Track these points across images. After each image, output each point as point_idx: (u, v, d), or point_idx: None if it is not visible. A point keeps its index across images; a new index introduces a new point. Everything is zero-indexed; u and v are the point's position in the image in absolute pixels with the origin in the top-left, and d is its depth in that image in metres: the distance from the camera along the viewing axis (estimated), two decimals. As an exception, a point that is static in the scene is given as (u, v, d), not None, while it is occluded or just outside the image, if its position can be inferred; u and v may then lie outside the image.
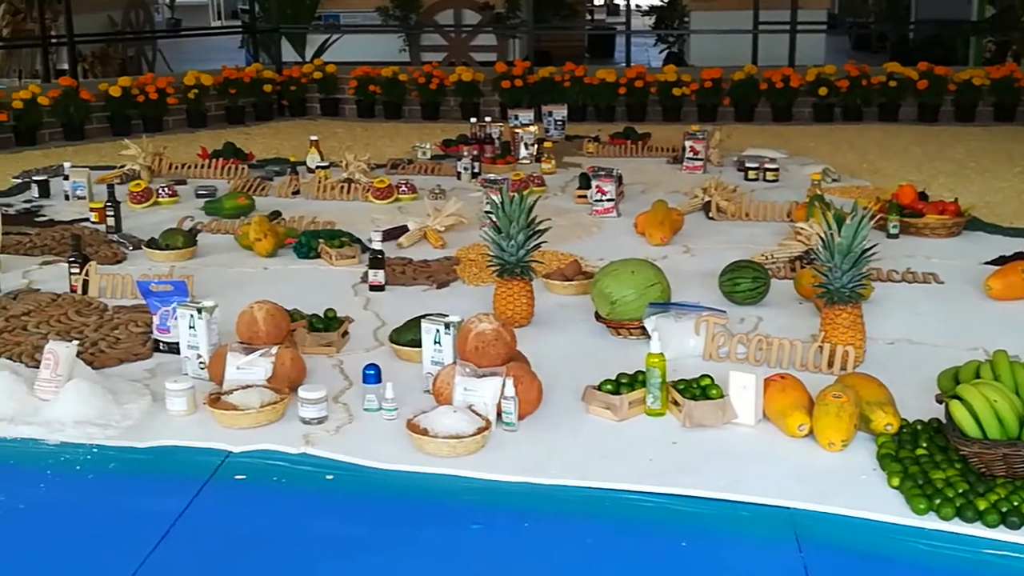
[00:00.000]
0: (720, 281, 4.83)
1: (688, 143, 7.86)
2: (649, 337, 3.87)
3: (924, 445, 3.30)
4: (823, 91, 10.22)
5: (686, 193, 6.89)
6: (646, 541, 2.92)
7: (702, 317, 4.15)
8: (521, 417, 3.54)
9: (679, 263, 5.39)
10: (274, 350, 3.80)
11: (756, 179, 7.46)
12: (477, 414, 3.46)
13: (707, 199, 6.53)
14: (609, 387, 3.66)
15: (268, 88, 10.86)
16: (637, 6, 17.70)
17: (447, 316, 3.83)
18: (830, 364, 3.97)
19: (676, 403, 3.61)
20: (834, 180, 7.37)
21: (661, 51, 16.47)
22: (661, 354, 3.61)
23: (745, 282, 4.74)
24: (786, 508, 3.06)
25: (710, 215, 6.42)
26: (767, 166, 7.51)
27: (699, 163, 7.81)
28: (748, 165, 7.57)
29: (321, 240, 5.62)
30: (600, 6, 24.69)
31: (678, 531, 2.96)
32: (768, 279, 4.81)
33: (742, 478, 3.20)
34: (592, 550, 2.88)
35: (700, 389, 3.62)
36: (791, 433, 3.44)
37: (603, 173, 6.59)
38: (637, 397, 3.63)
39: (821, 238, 4.16)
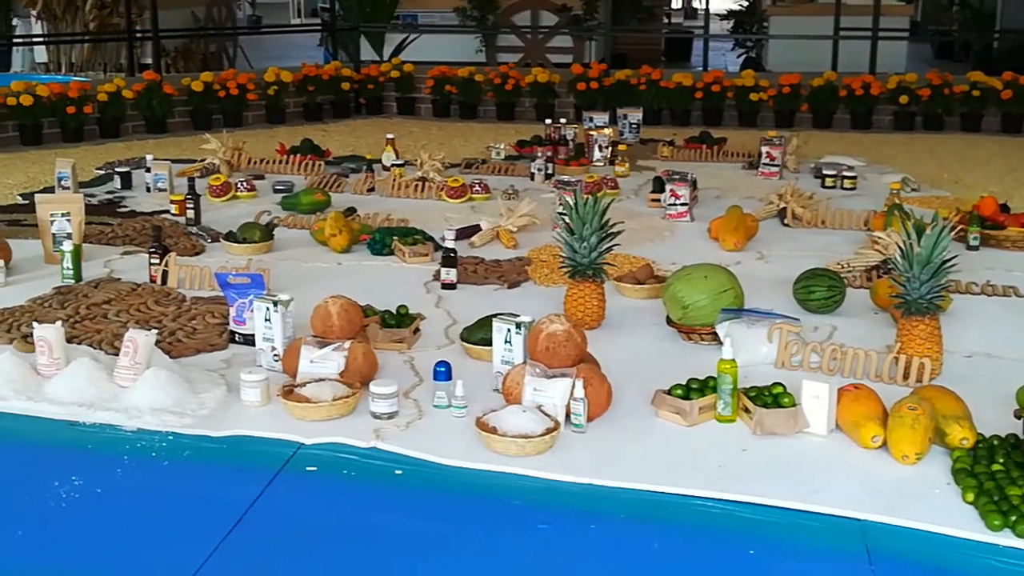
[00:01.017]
0: (794, 289, 4.78)
1: (765, 148, 7.78)
2: (720, 343, 3.85)
3: (1001, 461, 3.24)
4: (904, 99, 10.05)
5: (761, 199, 6.83)
6: (713, 548, 2.91)
7: (775, 324, 4.12)
8: (590, 419, 3.54)
9: (753, 269, 5.35)
10: (347, 345, 3.84)
11: (833, 186, 7.36)
12: (546, 414, 3.47)
13: (783, 206, 6.46)
14: (679, 392, 3.64)
15: (346, 86, 10.97)
16: (715, 10, 17.55)
17: (518, 316, 3.84)
18: (905, 376, 3.91)
19: (747, 410, 3.58)
20: (913, 190, 7.25)
21: (739, 55, 16.32)
22: (733, 360, 3.59)
23: (820, 290, 4.68)
24: (857, 520, 3.02)
25: (785, 222, 6.35)
26: (845, 174, 7.41)
27: (775, 169, 7.73)
28: (825, 172, 7.48)
29: (395, 237, 5.67)
30: (677, 9, 24.54)
31: (746, 539, 2.94)
32: (844, 288, 4.75)
33: (813, 488, 3.16)
34: (659, 555, 2.87)
35: (772, 397, 3.58)
36: (864, 444, 3.39)
37: (677, 177, 6.55)
38: (707, 403, 3.61)
39: (900, 248, 4.09)
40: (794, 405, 3.54)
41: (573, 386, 3.52)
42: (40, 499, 3.11)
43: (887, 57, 11.58)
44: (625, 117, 9.28)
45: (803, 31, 12.33)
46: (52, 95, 9.27)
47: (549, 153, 7.85)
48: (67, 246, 5.15)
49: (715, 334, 4.19)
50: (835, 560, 2.86)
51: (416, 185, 7.18)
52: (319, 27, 13.75)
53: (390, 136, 7.97)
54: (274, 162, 7.94)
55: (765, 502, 3.10)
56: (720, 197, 7.04)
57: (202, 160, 7.93)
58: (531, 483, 3.24)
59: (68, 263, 5.10)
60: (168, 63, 13.79)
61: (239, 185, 7.06)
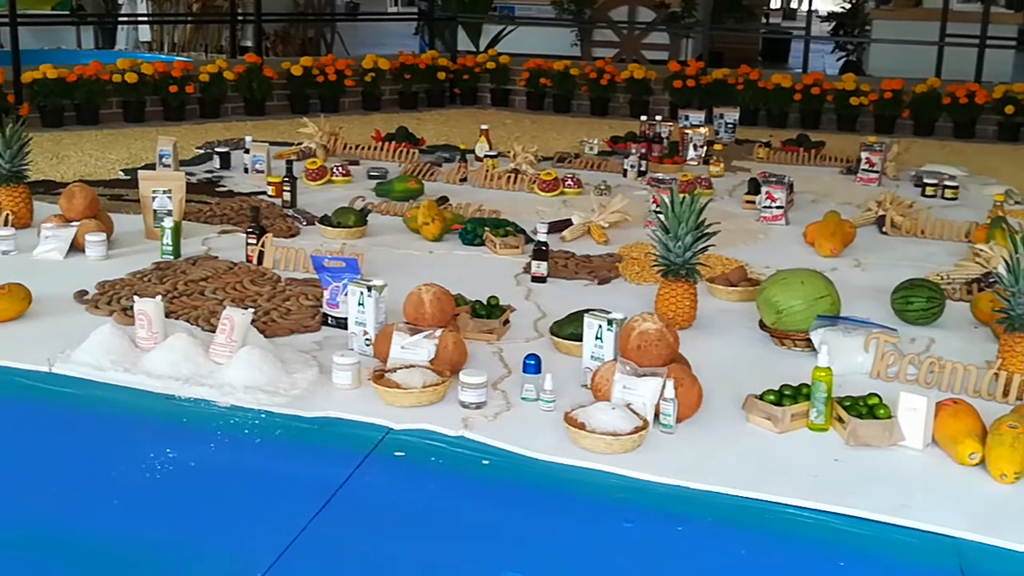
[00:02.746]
0: (892, 298, 4.68)
1: (864, 154, 7.64)
2: (814, 350, 3.78)
3: (1105, 486, 3.14)
4: (1010, 109, 9.79)
5: (859, 205, 6.71)
6: (802, 557, 2.86)
7: (872, 334, 4.03)
8: (679, 420, 3.51)
9: (849, 277, 5.25)
10: (438, 333, 3.86)
11: (934, 196, 7.21)
12: (635, 413, 3.44)
13: (881, 213, 6.34)
14: (771, 397, 3.59)
15: (442, 75, 11.03)
16: (816, 11, 17.27)
17: (610, 312, 3.82)
18: (1006, 393, 3.81)
19: (840, 420, 3.52)
20: (1017, 203, 7.05)
21: (839, 59, 16.05)
22: (828, 368, 3.53)
23: (919, 301, 4.58)
24: (951, 538, 2.95)
25: (883, 230, 6.22)
26: (946, 183, 7.25)
27: (875, 175, 7.58)
28: (926, 181, 7.32)
29: (487, 228, 5.68)
30: (776, 10, 24.21)
31: (836, 550, 2.88)
32: (943, 299, 4.64)
33: (907, 502, 3.09)
34: (745, 561, 2.84)
35: (867, 407, 3.51)
36: (961, 460, 3.31)
37: (774, 179, 6.46)
38: (800, 410, 3.55)
39: (1005, 261, 3.99)
40: (890, 417, 3.46)
41: (663, 386, 3.49)
42: (136, 470, 3.18)
43: (994, 65, 11.29)
44: (721, 116, 9.19)
45: (907, 36, 12.08)
46: (156, 74, 9.48)
47: (643, 150, 7.80)
48: (167, 223, 5.26)
49: (809, 341, 4.13)
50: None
51: (508, 177, 7.19)
52: (416, 16, 13.83)
53: (484, 127, 7.98)
54: (369, 148, 8.01)
55: (857, 514, 3.04)
56: (816, 202, 6.93)
57: (299, 144, 8.05)
58: (618, 481, 3.22)
59: (168, 239, 5.21)
60: (268, 46, 13.99)
61: (334, 170, 7.14)
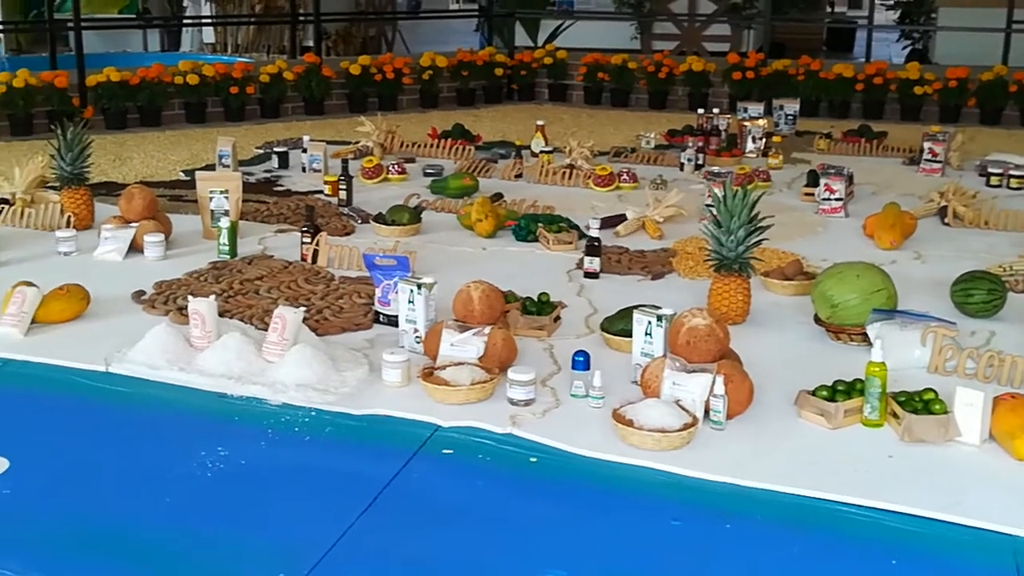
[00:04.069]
0: (952, 291, 4.59)
1: (927, 144, 7.50)
2: (871, 344, 3.72)
3: None
4: (1080, 96, 9.55)
5: (921, 197, 6.59)
6: (854, 555, 2.81)
7: (930, 327, 3.96)
8: (730, 416, 3.47)
9: (908, 269, 5.16)
10: (487, 330, 3.86)
11: (999, 185, 7.06)
12: (684, 409, 3.41)
13: (943, 204, 6.21)
14: (824, 393, 3.54)
15: (499, 72, 11.04)
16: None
17: (660, 308, 3.79)
18: (1069, 387, 3.72)
19: (895, 415, 3.45)
20: (1086, 191, 6.88)
21: (904, 47, 15.78)
22: (883, 363, 3.46)
23: (980, 294, 4.48)
24: (1009, 536, 2.88)
25: (945, 221, 6.11)
26: (1012, 172, 7.09)
27: (937, 166, 7.44)
28: (991, 170, 7.17)
29: (540, 224, 5.67)
30: (841, -2, 23.86)
31: (889, 548, 2.83)
32: (1005, 292, 4.53)
33: (962, 499, 3.03)
34: (797, 559, 2.79)
35: (922, 403, 3.45)
36: (1018, 456, 3.23)
37: (833, 171, 6.37)
38: (853, 406, 3.50)
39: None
40: (946, 412, 3.39)
41: (713, 382, 3.45)
42: (187, 467, 3.22)
43: (1063, 51, 11.01)
44: (781, 108, 9.09)
45: (974, 23, 11.82)
46: (217, 75, 9.61)
47: (700, 143, 7.74)
48: (224, 223, 5.32)
49: (865, 335, 4.06)
50: (982, 574, 2.73)
51: (564, 172, 7.17)
52: (476, 12, 13.86)
53: (540, 123, 7.97)
54: (425, 146, 8.04)
55: (911, 511, 2.98)
56: (877, 193, 6.82)
57: (356, 142, 8.10)
58: (666, 478, 3.19)
59: (224, 239, 5.27)
60: (328, 46, 14.12)
61: (391, 168, 7.18)
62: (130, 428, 3.53)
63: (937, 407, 3.41)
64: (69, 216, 5.72)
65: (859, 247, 5.57)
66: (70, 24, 9.84)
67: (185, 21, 15.81)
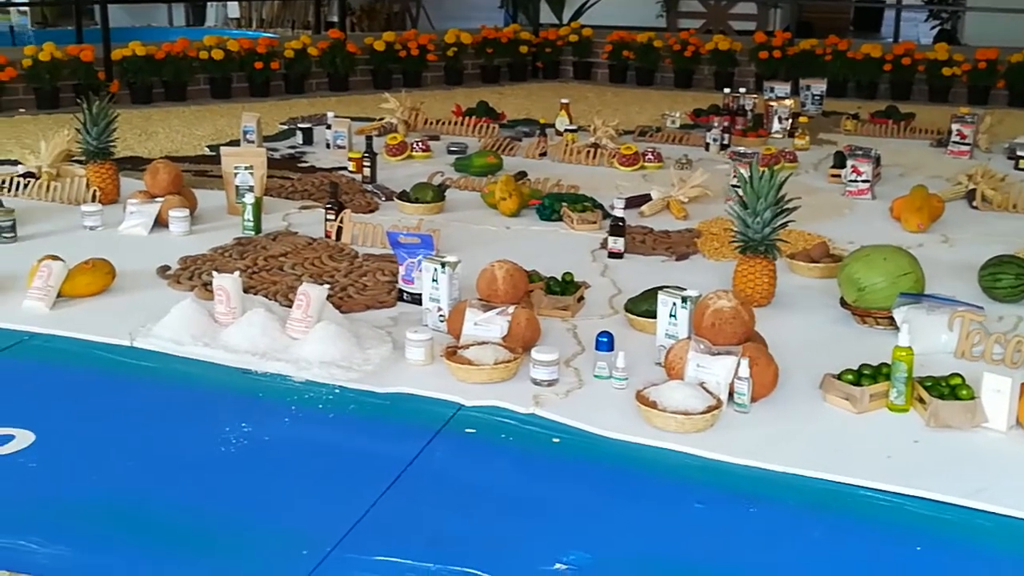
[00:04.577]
0: (980, 275, 4.55)
1: (955, 126, 7.43)
2: (897, 328, 3.69)
3: None
4: (1112, 78, 9.43)
5: (949, 179, 6.53)
6: (878, 541, 2.80)
7: (957, 312, 3.92)
8: (754, 399, 3.45)
9: (936, 253, 5.11)
10: (511, 309, 3.85)
11: (1028, 168, 6.98)
12: (708, 392, 3.40)
13: (971, 187, 6.15)
14: (850, 377, 3.51)
15: (524, 49, 10.98)
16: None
17: (685, 290, 3.77)
18: (1098, 374, 3.67)
19: (921, 400, 3.43)
20: (1118, 175, 6.80)
21: (932, 27, 15.60)
22: (909, 348, 3.44)
23: (1008, 278, 4.44)
24: (1035, 524, 2.86)
25: (973, 204, 6.05)
26: (1042, 155, 7.01)
27: (966, 148, 7.37)
28: (1020, 153, 7.09)
29: (564, 203, 5.64)
30: (870, -23, 23.59)
31: (914, 534, 2.82)
32: (1034, 277, 4.49)
33: (988, 486, 3.01)
34: (820, 544, 2.78)
35: (949, 388, 3.42)
36: (1047, 444, 3.21)
37: (860, 152, 6.31)
38: (879, 390, 3.47)
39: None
40: (973, 398, 3.37)
41: (738, 364, 3.43)
42: (211, 443, 3.23)
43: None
44: (808, 88, 9.02)
45: (1003, 3, 11.67)
46: (242, 50, 9.60)
47: (726, 123, 7.68)
48: (249, 198, 5.33)
49: (891, 319, 4.03)
50: (1009, 563, 2.72)
51: (588, 151, 7.14)
52: (501, -11, 13.82)
53: (564, 101, 7.93)
54: (449, 123, 8.02)
55: (937, 497, 2.97)
56: (904, 175, 6.76)
57: (380, 119, 8.09)
58: (689, 461, 3.18)
59: (249, 215, 5.28)
60: (353, 22, 14.09)
61: (415, 145, 7.16)
62: (154, 403, 3.54)
63: (964, 392, 3.39)
64: (95, 190, 5.73)
65: (886, 230, 5.53)
66: (96, -2, 9.86)
67: (210, -5, 15.81)
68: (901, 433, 3.34)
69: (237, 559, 2.67)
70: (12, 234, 5.11)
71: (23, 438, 3.23)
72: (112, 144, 5.83)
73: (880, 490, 3.01)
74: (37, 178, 5.97)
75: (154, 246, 5.07)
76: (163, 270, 4.70)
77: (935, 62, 9.86)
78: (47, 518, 2.82)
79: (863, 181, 6.21)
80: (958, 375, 3.47)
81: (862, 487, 3.03)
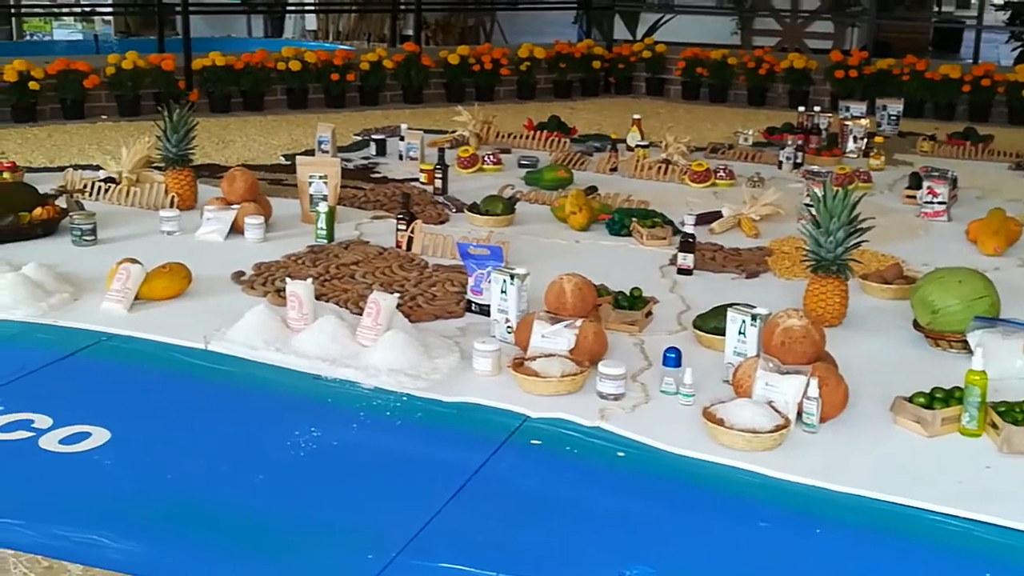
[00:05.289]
0: (1058, 301, 4.46)
1: (1035, 149, 7.29)
2: (971, 352, 3.63)
3: None
4: None
5: (1028, 203, 6.42)
6: (946, 566, 2.76)
7: (1033, 337, 3.85)
8: (823, 420, 3.42)
9: (1013, 277, 5.02)
10: (579, 323, 3.86)
11: (1111, 194, 6.83)
12: (776, 411, 3.37)
13: (1051, 211, 6.04)
14: (922, 400, 3.46)
15: (597, 64, 11.01)
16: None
17: (755, 307, 3.75)
18: None
19: (995, 426, 3.37)
20: None
21: (1014, 49, 15.33)
22: (983, 372, 3.38)
23: (1087, 305, 4.35)
24: (1110, 555, 2.80)
25: (1053, 228, 5.93)
26: (1125, 180, 6.86)
27: (1046, 171, 7.23)
28: (1103, 178, 6.94)
29: (634, 219, 5.64)
30: (950, -3, 23.29)
31: (983, 561, 2.77)
32: (1114, 304, 4.39)
33: (1060, 515, 2.95)
34: (886, 567, 2.75)
35: (1023, 414, 3.36)
36: (1125, 475, 3.13)
37: (936, 174, 6.23)
38: (951, 414, 3.42)
39: None
40: (1048, 425, 3.30)
41: (807, 384, 3.40)
42: (282, 447, 3.28)
43: None
44: (884, 108, 8.93)
45: (1089, 24, 11.45)
46: (318, 62, 9.75)
47: (800, 142, 7.63)
48: (322, 207, 5.40)
49: (965, 342, 3.97)
50: (1082, 595, 2.67)
51: (659, 167, 7.13)
52: (575, 5, 13.84)
53: (636, 117, 7.93)
54: (521, 137, 8.06)
55: (1007, 524, 2.91)
56: (981, 198, 6.65)
57: (453, 132, 8.15)
58: (755, 479, 3.16)
59: (322, 223, 5.35)
60: (428, 35, 14.22)
61: (486, 158, 7.21)
62: (227, 405, 3.61)
63: (1038, 419, 3.33)
64: (173, 196, 5.86)
65: (962, 252, 5.45)
66: (178, 8, 10.07)
67: (289, 8, 16.05)
68: (973, 458, 3.28)
69: (303, 561, 2.70)
70: (93, 237, 5.23)
71: (99, 436, 3.31)
72: (191, 152, 5.96)
73: (950, 515, 2.97)
74: (118, 183, 6.11)
75: (229, 252, 5.17)
76: (238, 275, 4.79)
77: (1015, 84, 9.69)
78: (120, 514, 2.88)
79: (939, 203, 6.12)
80: (1033, 401, 3.41)
81: (931, 511, 2.99)
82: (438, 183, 6.44)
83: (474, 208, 5.88)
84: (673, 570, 2.71)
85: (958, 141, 8.21)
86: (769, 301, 4.10)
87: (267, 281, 4.70)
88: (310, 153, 7.26)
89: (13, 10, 15.24)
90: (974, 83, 9.80)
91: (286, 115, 9.42)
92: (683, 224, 5.11)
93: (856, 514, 2.99)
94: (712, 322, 4.09)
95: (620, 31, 13.16)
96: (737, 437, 3.27)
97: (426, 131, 7.94)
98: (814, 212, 4.36)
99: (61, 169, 6.60)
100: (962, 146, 8.12)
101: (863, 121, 8.11)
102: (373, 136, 7.84)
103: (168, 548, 2.75)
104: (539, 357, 3.75)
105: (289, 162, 7.03)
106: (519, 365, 3.72)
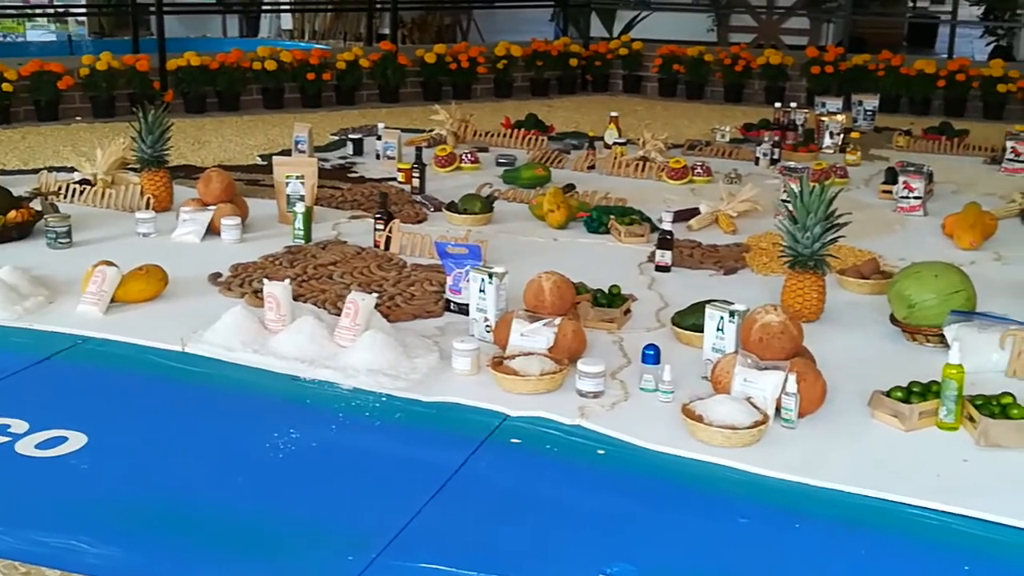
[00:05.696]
0: (1033, 294, 4.49)
1: (1010, 143, 7.35)
2: (948, 346, 3.65)
3: None
4: None
5: (1003, 197, 6.46)
6: (924, 560, 2.78)
7: (1009, 331, 3.87)
8: (801, 415, 3.43)
9: (988, 271, 5.06)
10: (557, 321, 3.86)
11: (1084, 187, 6.87)
12: (755, 407, 3.38)
13: (1026, 205, 6.08)
14: (899, 394, 3.48)
15: (574, 62, 11.01)
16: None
17: (732, 304, 3.76)
18: None
19: (971, 419, 3.39)
20: None
21: (988, 44, 15.43)
22: (960, 366, 3.40)
23: (1062, 297, 4.38)
24: (1087, 546, 2.82)
25: (1027, 222, 5.98)
26: (1099, 174, 6.91)
27: (1020, 166, 7.28)
28: (1077, 171, 7.00)
29: (612, 216, 5.65)
30: (924, -7, 23.38)
31: (961, 554, 2.79)
32: (1089, 297, 4.43)
33: (1035, 507, 2.97)
34: (864, 561, 2.76)
35: (1000, 407, 3.38)
36: (1100, 466, 3.16)
37: (912, 168, 6.26)
38: (929, 408, 3.44)
39: None
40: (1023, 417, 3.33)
41: (785, 380, 3.41)
42: (261, 449, 3.27)
43: None
44: (860, 103, 8.96)
45: (1062, 19, 11.54)
46: (294, 61, 9.71)
47: (776, 138, 7.65)
48: (299, 208, 5.38)
49: (942, 336, 3.99)
50: (1059, 587, 2.68)
51: (637, 164, 7.14)
52: (551, 2, 13.84)
53: (614, 114, 7.93)
54: (498, 135, 8.05)
55: (985, 517, 2.93)
56: (957, 192, 6.70)
57: (430, 131, 8.14)
58: (735, 475, 3.17)
59: (299, 224, 5.33)
60: (404, 34, 14.18)
61: (464, 157, 7.20)
62: (205, 407, 3.59)
63: (1015, 412, 3.35)
64: (149, 198, 5.83)
65: (938, 247, 5.48)
66: (152, 9, 10.01)
67: (264, 7, 15.98)
68: (950, 452, 3.30)
69: (283, 563, 2.70)
70: (68, 240, 5.20)
71: (76, 440, 3.28)
72: (166, 152, 5.92)
73: (928, 508, 2.99)
74: (92, 185, 6.07)
75: (206, 253, 5.14)
76: (214, 277, 4.76)
77: (990, 78, 9.75)
78: (98, 519, 2.87)
79: (915, 197, 6.16)
80: (1009, 394, 3.43)
81: (909, 505, 3.00)
82: (416, 182, 6.43)
83: (452, 207, 5.87)
84: (654, 567, 2.71)
85: (934, 136, 8.25)
86: (747, 297, 4.11)
87: (244, 282, 4.68)
88: (287, 153, 7.23)
89: (-15, 11, 15.13)
90: (949, 78, 9.85)
91: (262, 115, 9.38)
92: (661, 221, 5.12)
93: (834, 508, 3.00)
94: (690, 319, 4.10)
95: (597, 28, 13.16)
96: (716, 433, 3.28)
97: (403, 130, 7.92)
98: (791, 208, 4.38)
99: (35, 171, 6.55)
100: (938, 141, 8.16)
101: (839, 117, 8.15)
102: (350, 136, 7.81)
103: (147, 552, 2.73)
104: (518, 356, 3.75)
105: (266, 162, 7.00)
106: (498, 364, 3.72)
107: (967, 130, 8.39)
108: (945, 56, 11.15)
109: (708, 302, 3.83)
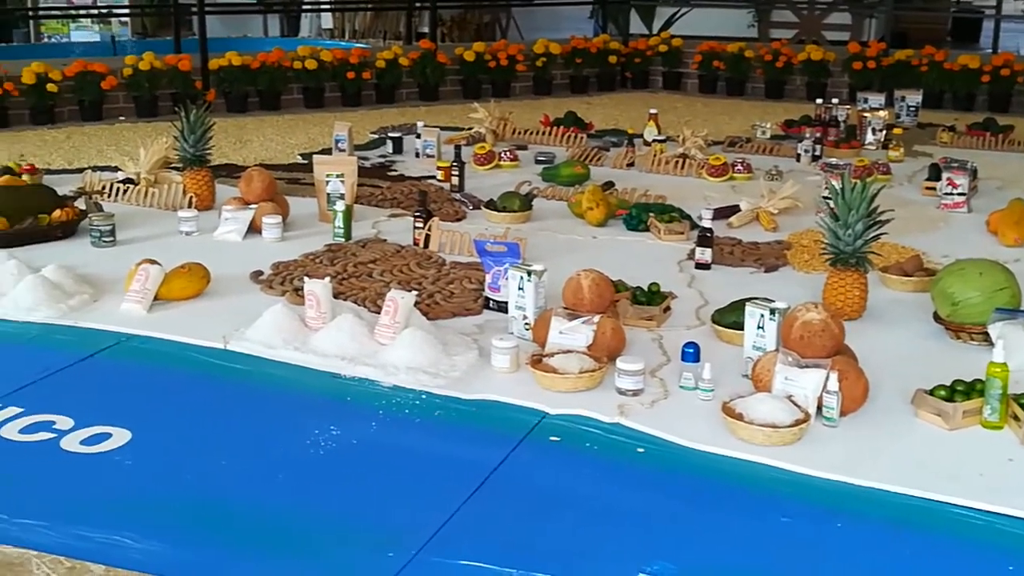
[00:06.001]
0: (1080, 291, 4.42)
1: (1056, 138, 7.24)
2: (992, 344, 3.61)
3: None
4: None
5: (1049, 193, 6.37)
6: (968, 559, 2.75)
7: (1055, 329, 3.82)
8: (843, 414, 3.41)
9: (1033, 268, 4.99)
10: (596, 319, 3.85)
11: None
12: (796, 405, 3.36)
13: (1073, 201, 5.98)
14: (943, 393, 3.45)
15: (613, 59, 10.97)
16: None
17: (773, 301, 3.74)
18: None
19: (1016, 418, 3.35)
20: None
21: (1033, 37, 15.23)
22: (1004, 364, 3.36)
23: (1109, 295, 4.31)
24: None
25: (1074, 218, 5.88)
26: None
27: (1067, 161, 7.18)
28: (1125, 167, 6.89)
29: (651, 213, 5.63)
30: (968, -13, 23.10)
31: (1006, 553, 2.76)
32: None
33: (1084, 508, 2.93)
34: (907, 560, 2.74)
35: (1046, 406, 3.34)
36: None
37: (956, 165, 6.19)
38: (972, 407, 3.40)
39: None
40: (1071, 417, 3.28)
41: (827, 378, 3.39)
42: (301, 446, 3.29)
43: None
44: (903, 99, 8.87)
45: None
46: (335, 60, 9.75)
47: (818, 134, 7.58)
48: (339, 206, 5.41)
49: (986, 334, 3.94)
50: (1106, 588, 2.64)
51: (676, 162, 7.11)
52: None
53: (653, 111, 7.91)
54: (538, 133, 8.05)
55: (1030, 517, 2.90)
56: (1002, 189, 6.61)
57: (469, 129, 8.14)
58: (775, 474, 3.15)
59: (339, 222, 5.36)
60: (443, 32, 14.20)
61: (503, 155, 7.21)
62: (246, 404, 3.62)
63: (1061, 411, 3.30)
64: (191, 197, 5.88)
65: (982, 244, 5.41)
66: (194, 9, 10.09)
67: (304, 7, 16.07)
68: (994, 451, 3.26)
69: (324, 559, 2.71)
70: (112, 238, 5.26)
71: (120, 436, 3.32)
72: (208, 152, 5.97)
73: (972, 508, 2.95)
74: (136, 184, 6.13)
75: (247, 252, 5.18)
76: (256, 275, 4.80)
77: (1035, 73, 9.62)
78: (141, 514, 2.90)
79: (959, 194, 6.09)
80: (1055, 393, 3.39)
81: (953, 504, 2.97)
82: (455, 180, 6.44)
83: (491, 205, 5.88)
84: (694, 566, 2.70)
85: (978, 132, 8.15)
86: (788, 295, 4.08)
87: (285, 280, 4.71)
88: (327, 152, 7.27)
89: (31, 13, 15.33)
90: (993, 73, 9.72)
91: (303, 114, 9.44)
92: (701, 219, 5.09)
93: (877, 508, 2.97)
94: (730, 317, 4.08)
95: (636, 25, 13.12)
96: (757, 432, 3.26)
97: (442, 128, 7.93)
98: (832, 205, 4.34)
99: (80, 171, 6.64)
100: (982, 137, 8.06)
101: (881, 113, 8.07)
102: (390, 134, 7.84)
103: (190, 548, 2.76)
104: (557, 353, 3.74)
105: (306, 161, 7.04)
106: (537, 362, 3.72)
107: (1012, 126, 8.27)
108: (989, 51, 11.00)
109: (749, 300, 3.81)
